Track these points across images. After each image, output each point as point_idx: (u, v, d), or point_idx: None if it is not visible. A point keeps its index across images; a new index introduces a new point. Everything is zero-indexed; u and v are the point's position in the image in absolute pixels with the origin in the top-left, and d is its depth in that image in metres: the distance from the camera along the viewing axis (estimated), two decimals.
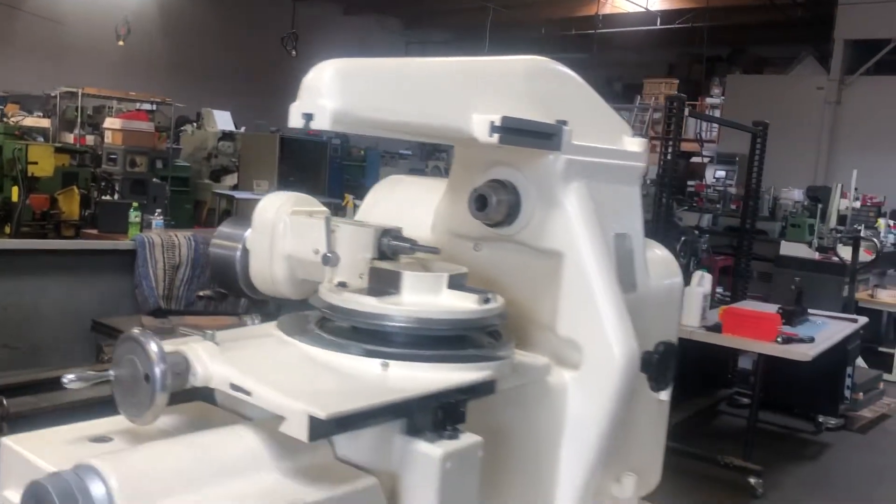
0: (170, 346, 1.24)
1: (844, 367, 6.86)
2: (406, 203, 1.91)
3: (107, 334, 3.15)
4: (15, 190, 8.21)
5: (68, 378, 1.16)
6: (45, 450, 1.13)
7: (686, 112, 5.78)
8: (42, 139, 10.46)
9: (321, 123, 1.24)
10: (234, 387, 1.20)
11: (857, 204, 10.43)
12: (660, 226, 5.80)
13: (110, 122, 10.06)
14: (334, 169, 12.99)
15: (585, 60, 18.52)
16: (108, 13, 14.70)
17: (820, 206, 9.50)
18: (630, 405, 1.73)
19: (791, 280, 7.60)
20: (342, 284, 1.44)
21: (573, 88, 1.68)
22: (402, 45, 20.63)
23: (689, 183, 14.61)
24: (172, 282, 3.68)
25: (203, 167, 12.31)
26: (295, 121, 1.27)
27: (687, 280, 5.89)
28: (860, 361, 7.86)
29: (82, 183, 9.05)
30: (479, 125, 1.42)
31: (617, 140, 1.77)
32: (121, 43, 13.83)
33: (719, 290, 7.96)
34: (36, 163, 8.34)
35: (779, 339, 5.36)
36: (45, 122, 11.60)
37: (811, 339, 5.54)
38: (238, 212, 8.88)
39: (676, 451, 5.76)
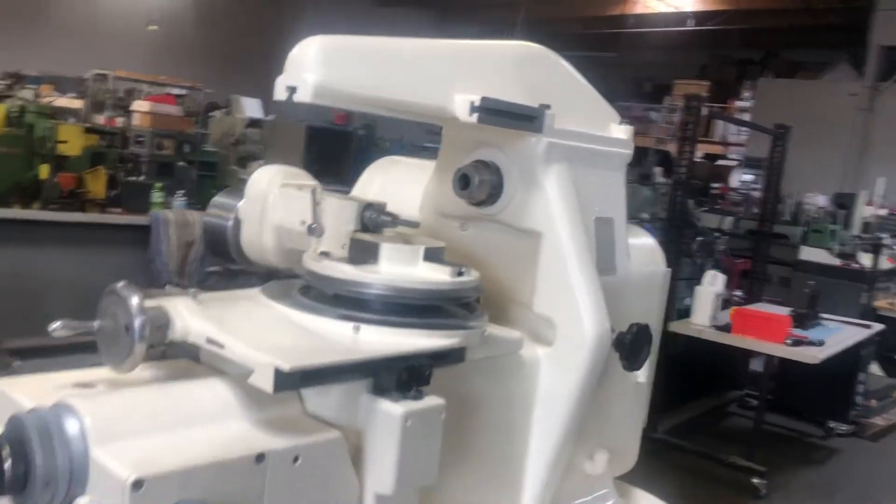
0: (154, 302, 1.31)
1: (857, 373, 6.82)
2: (399, 183, 1.97)
3: None
4: (43, 168, 8.39)
5: (54, 326, 1.24)
6: (32, 391, 1.21)
7: (703, 111, 5.77)
8: (74, 120, 10.65)
9: (303, 96, 1.31)
10: (210, 340, 1.27)
11: (884, 212, 10.30)
12: (674, 224, 5.81)
13: (139, 105, 10.20)
14: (359, 159, 13.09)
15: (614, 59, 18.47)
16: None
17: (844, 212, 9.42)
18: (604, 384, 1.79)
19: (814, 286, 7.56)
20: (325, 254, 1.50)
21: (560, 74, 1.73)
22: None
23: (714, 185, 14.54)
24: (185, 258, 3.78)
25: (230, 153, 12.46)
26: (279, 93, 1.34)
27: (700, 280, 5.91)
28: (877, 369, 7.81)
29: (110, 163, 9.19)
30: (460, 105, 1.48)
31: (603, 127, 1.82)
32: (152, 27, 14.02)
33: (738, 293, 7.94)
34: (65, 142, 8.50)
35: (788, 341, 5.37)
36: (77, 104, 11.79)
37: (821, 343, 5.54)
38: None
39: (680, 448, 5.83)
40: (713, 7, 16.40)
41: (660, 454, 5.77)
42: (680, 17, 16.70)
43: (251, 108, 13.94)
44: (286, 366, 1.14)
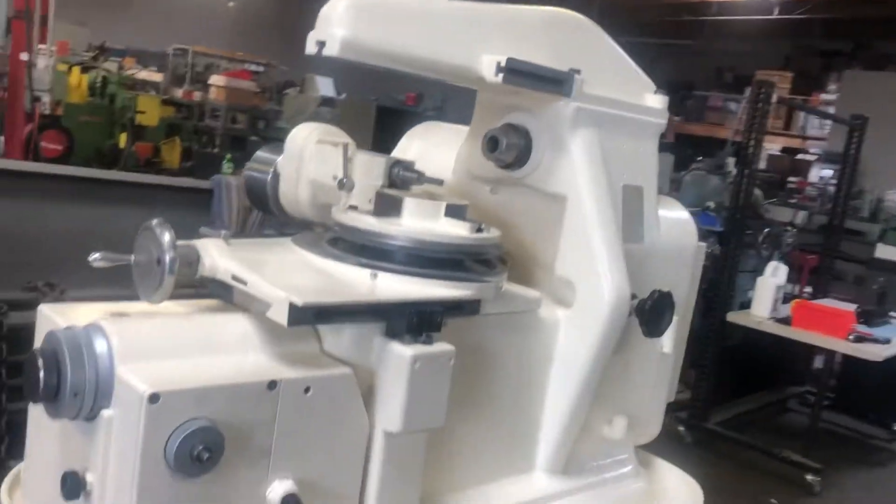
0: (189, 241, 1.41)
1: None
2: (436, 146, 2.03)
3: None
4: (123, 137, 8.77)
5: (94, 256, 1.34)
6: (71, 315, 1.31)
7: (774, 98, 5.64)
8: (154, 92, 11.07)
9: (331, 50, 1.37)
10: (235, 277, 1.35)
11: None
12: (738, 214, 5.70)
13: (215, 79, 10.57)
14: None
15: (694, 47, 18.07)
16: None
17: None
18: (625, 351, 1.82)
19: (883, 283, 7.32)
20: (353, 207, 1.57)
21: (593, 40, 1.75)
22: None
23: (791, 179, 14.13)
24: (245, 222, 3.92)
25: None
26: (310, 48, 1.40)
27: (764, 271, 5.80)
28: None
29: (185, 135, 9.57)
30: (487, 65, 1.52)
31: (636, 95, 1.83)
32: (231, 4, 14.36)
33: (807, 289, 7.75)
34: (143, 112, 8.89)
35: (851, 338, 5.23)
36: (157, 77, 12.24)
37: (887, 341, 5.37)
38: None
39: (733, 440, 5.75)
40: None
41: (710, 445, 5.71)
42: (764, 5, 16.19)
43: (325, 86, 14.16)
44: (300, 301, 1.21)
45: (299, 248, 1.54)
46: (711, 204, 7.01)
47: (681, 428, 5.73)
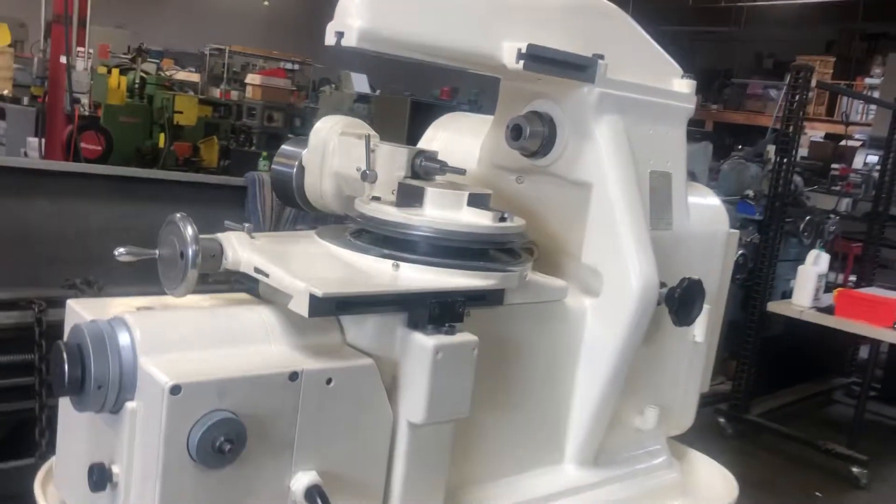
0: (212, 235, 1.42)
1: None
2: (461, 137, 2.01)
3: None
4: (162, 136, 8.91)
5: (119, 251, 1.35)
6: (98, 309, 1.33)
7: (813, 83, 5.51)
8: (192, 92, 11.22)
9: (349, 41, 1.37)
10: (257, 270, 1.35)
11: None
12: (777, 202, 5.59)
13: (251, 78, 10.68)
14: None
15: (733, 34, 17.75)
16: None
17: None
18: (656, 340, 1.79)
19: None
20: (376, 199, 1.57)
21: (617, 24, 1.72)
22: None
23: (834, 166, 13.83)
24: (279, 219, 3.94)
25: None
26: (329, 39, 1.40)
27: (805, 260, 5.68)
28: None
29: (222, 134, 9.69)
30: (508, 52, 1.50)
31: (663, 80, 1.80)
32: (266, 3, 14.48)
33: (852, 278, 7.58)
34: (181, 112, 9.01)
35: None
36: (195, 77, 12.41)
37: None
38: None
39: (776, 431, 5.64)
40: None
41: (752, 437, 5.61)
42: None
43: (360, 83, 14.22)
44: (320, 292, 1.21)
45: (323, 240, 1.54)
46: (750, 192, 6.88)
47: (721, 420, 5.65)
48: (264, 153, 7.29)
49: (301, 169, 1.81)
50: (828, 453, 5.32)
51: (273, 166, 1.87)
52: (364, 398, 1.31)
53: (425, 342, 1.31)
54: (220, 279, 1.44)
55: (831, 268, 5.75)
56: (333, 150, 1.73)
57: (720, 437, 5.55)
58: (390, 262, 1.42)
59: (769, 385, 6.04)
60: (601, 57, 1.63)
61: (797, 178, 6.72)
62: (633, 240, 1.62)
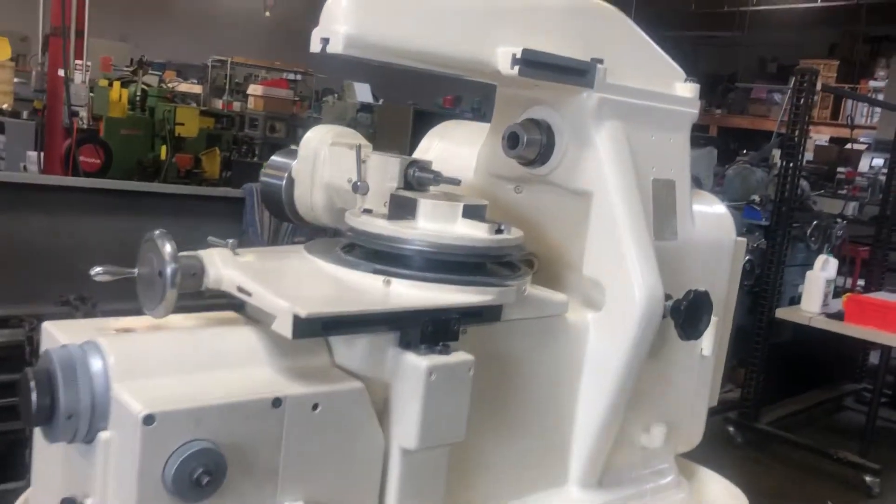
0: (193, 252, 1.35)
1: None
2: (457, 145, 1.95)
3: None
4: (164, 148, 8.88)
5: (96, 270, 1.29)
6: (73, 332, 1.26)
7: (819, 86, 5.44)
8: (195, 104, 11.20)
9: (335, 47, 1.30)
10: (240, 289, 1.29)
11: None
12: (783, 207, 5.51)
13: (253, 89, 10.65)
14: None
15: (736, 39, 17.70)
16: None
17: None
18: (662, 355, 1.72)
19: None
20: (368, 211, 1.50)
21: (616, 27, 1.66)
22: None
23: (840, 170, 13.74)
24: (277, 230, 3.88)
25: None
26: (314, 45, 1.34)
27: (813, 265, 5.60)
28: None
29: (224, 145, 9.66)
30: (502, 57, 1.44)
31: (665, 84, 1.73)
32: (267, 14, 14.49)
33: (860, 282, 7.48)
34: (182, 124, 8.99)
35: None
36: (197, 89, 12.39)
37: None
38: None
39: (786, 440, 5.55)
40: None
41: (762, 446, 5.53)
42: None
43: (363, 92, 14.20)
44: (303, 312, 1.15)
45: (312, 255, 1.47)
46: (756, 198, 6.81)
47: (730, 428, 5.56)
48: (265, 164, 7.23)
49: (291, 181, 1.74)
50: (839, 462, 5.23)
51: (262, 178, 1.81)
52: (353, 424, 1.24)
53: (418, 363, 1.24)
54: (216, 294, 1.37)
55: (838, 272, 5.66)
56: (324, 160, 1.67)
57: (730, 447, 5.47)
58: (381, 277, 1.35)
59: (778, 392, 5.95)
60: (600, 61, 1.56)
61: (804, 183, 6.64)
62: (635, 250, 1.55)
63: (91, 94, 7.55)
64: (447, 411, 1.28)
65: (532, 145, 1.63)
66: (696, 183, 1.93)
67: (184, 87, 11.98)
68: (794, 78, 5.48)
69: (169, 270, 1.25)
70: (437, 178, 1.53)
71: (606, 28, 1.65)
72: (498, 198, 1.77)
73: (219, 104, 12.45)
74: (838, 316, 5.25)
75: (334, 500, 1.23)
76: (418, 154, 2.02)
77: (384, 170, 1.54)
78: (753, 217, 6.41)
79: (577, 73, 1.53)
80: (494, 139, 1.77)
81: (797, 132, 5.33)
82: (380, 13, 1.33)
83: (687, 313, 1.59)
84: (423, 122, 11.69)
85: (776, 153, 9.09)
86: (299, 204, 1.73)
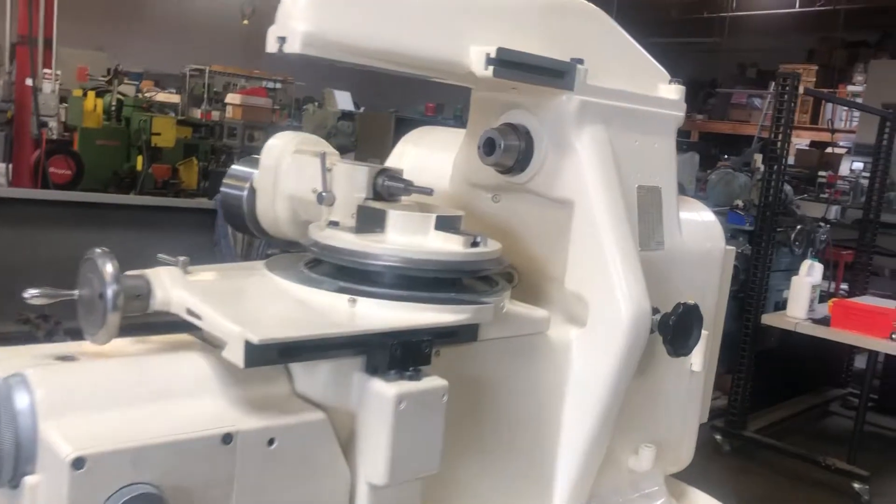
0: (139, 271, 1.24)
1: None
2: (433, 152, 1.84)
3: None
4: (140, 159, 8.72)
5: (32, 293, 1.17)
6: (4, 362, 1.14)
7: (801, 90, 5.39)
8: (173, 114, 11.04)
9: (292, 47, 1.20)
10: (189, 312, 1.17)
11: None
12: (768, 211, 5.46)
13: (231, 98, 10.50)
14: None
15: (716, 45, 17.74)
16: None
17: None
18: (650, 371, 1.62)
19: None
20: (334, 224, 1.39)
21: (598, 27, 1.56)
22: None
23: (821, 174, 13.78)
24: (251, 243, 3.76)
25: None
26: (270, 45, 1.23)
27: (798, 270, 5.54)
28: None
29: (202, 155, 9.50)
30: (476, 57, 1.34)
31: (649, 86, 1.64)
32: (245, 22, 14.34)
33: (844, 286, 7.45)
34: (159, 134, 8.83)
35: (894, 336, 4.95)
36: (175, 98, 12.22)
37: None
38: None
39: (774, 448, 5.48)
40: None
41: (750, 453, 5.45)
42: None
43: (343, 100, 14.08)
44: (255, 338, 1.03)
45: (272, 273, 1.36)
46: (740, 202, 6.76)
47: (718, 437, 5.48)
48: None
49: (252, 191, 1.63)
50: (828, 469, 5.16)
51: (222, 189, 1.69)
52: (315, 459, 1.13)
53: (385, 390, 1.14)
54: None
55: (822, 276, 5.61)
56: (287, 170, 1.56)
57: (718, 455, 5.39)
58: (346, 296, 1.24)
59: (765, 399, 5.89)
60: (580, 62, 1.46)
61: (787, 187, 6.60)
62: (620, 261, 1.45)
63: (64, 105, 7.38)
64: (419, 442, 1.17)
65: (510, 151, 1.52)
66: (681, 189, 1.84)
67: (162, 96, 11.80)
68: (775, 82, 5.43)
69: (110, 292, 1.14)
70: (409, 187, 1.43)
71: (587, 27, 1.55)
72: (474, 208, 1.67)
73: (197, 113, 12.29)
74: (825, 321, 5.19)
75: None
76: (391, 162, 1.91)
77: (351, 179, 1.43)
78: (737, 222, 6.35)
79: (556, 74, 1.43)
80: (470, 146, 1.67)
81: (780, 136, 5.27)
82: (340, 9, 1.22)
83: (676, 328, 1.49)
84: (405, 129, 11.53)
85: (758, 157, 9.08)
86: (262, 217, 1.61)
